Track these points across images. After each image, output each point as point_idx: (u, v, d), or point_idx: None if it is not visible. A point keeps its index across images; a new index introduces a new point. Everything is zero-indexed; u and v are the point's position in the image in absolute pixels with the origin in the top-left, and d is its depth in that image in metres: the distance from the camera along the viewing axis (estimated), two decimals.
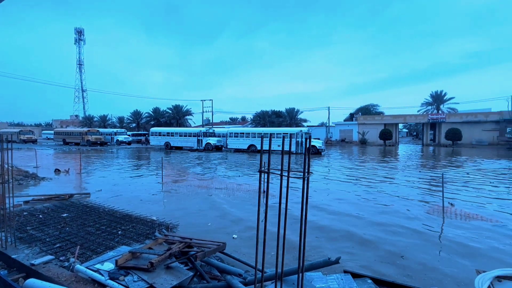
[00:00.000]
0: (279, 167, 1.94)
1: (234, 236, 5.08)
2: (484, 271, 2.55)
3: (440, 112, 46.15)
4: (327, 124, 50.33)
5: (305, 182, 1.79)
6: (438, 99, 48.41)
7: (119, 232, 4.97)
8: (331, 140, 46.63)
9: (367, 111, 53.39)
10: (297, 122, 48.50)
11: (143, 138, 41.77)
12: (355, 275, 3.63)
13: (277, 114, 50.97)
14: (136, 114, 56.82)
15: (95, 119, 60.86)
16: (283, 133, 25.72)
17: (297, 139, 25.07)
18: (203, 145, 29.52)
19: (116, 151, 27.94)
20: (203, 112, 51.90)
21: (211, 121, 52.39)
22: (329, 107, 49.81)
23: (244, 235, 5.11)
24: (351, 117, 52.72)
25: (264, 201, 2.14)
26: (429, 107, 49.24)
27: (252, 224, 5.50)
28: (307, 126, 44.95)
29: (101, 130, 42.27)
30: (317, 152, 24.39)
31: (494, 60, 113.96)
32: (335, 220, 6.11)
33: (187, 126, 50.99)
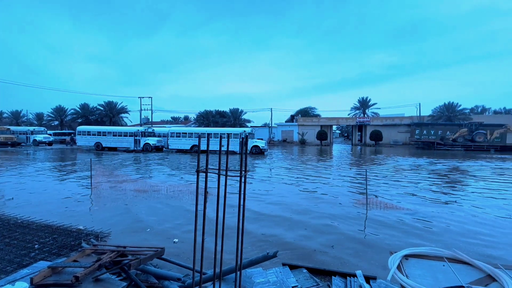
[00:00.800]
0: (223, 167, 1.95)
1: (175, 240, 4.89)
2: (395, 252, 2.99)
3: (366, 116, 52.25)
4: (270, 125, 52.21)
5: (242, 180, 1.83)
6: (364, 104, 54.67)
7: (36, 246, 4.31)
8: (274, 141, 48.53)
9: (306, 113, 57.11)
10: (241, 123, 49.07)
11: (68, 138, 36.81)
12: (293, 267, 3.87)
13: (221, 114, 50.76)
14: (59, 111, 49.72)
15: (5, 115, 51.31)
16: (227, 133, 25.79)
17: (241, 139, 25.37)
18: (141, 145, 27.55)
19: (33, 153, 24.01)
20: (141, 110, 48.43)
21: (150, 120, 49.20)
22: (271, 108, 51.76)
23: (187, 238, 4.96)
24: (292, 118, 55.70)
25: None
26: (357, 111, 55.24)
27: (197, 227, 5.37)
28: (251, 126, 45.88)
29: (13, 128, 35.78)
30: (260, 152, 25.07)
31: (409, 72, 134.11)
32: (277, 217, 6.38)
33: (122, 125, 46.83)
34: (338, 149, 37.36)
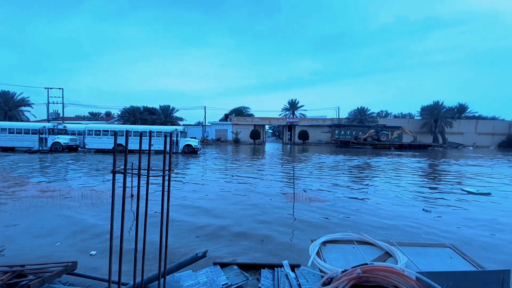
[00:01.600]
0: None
1: (92, 253, 4.32)
2: (315, 240, 3.30)
3: (294, 116, 56.18)
4: (204, 124, 51.20)
5: (165, 180, 1.74)
6: (293, 106, 58.69)
7: None
8: (207, 139, 47.78)
9: (240, 112, 58.02)
10: (172, 121, 46.72)
11: None
12: (224, 265, 3.87)
13: (151, 111, 47.34)
14: None
15: None
16: (157, 132, 24.18)
17: (172, 138, 24.17)
18: (49, 145, 23.55)
19: None
20: (49, 103, 41.33)
21: (61, 115, 42.44)
22: (205, 107, 50.81)
23: (107, 248, 4.44)
24: (226, 117, 55.84)
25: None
26: (287, 112, 58.95)
27: (116, 234, 4.86)
28: (184, 124, 44.12)
29: None
30: (193, 151, 24.35)
31: (331, 78, 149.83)
32: (211, 217, 6.29)
33: (22, 120, 39.06)
34: (270, 147, 39.18)
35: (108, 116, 62.36)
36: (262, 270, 3.79)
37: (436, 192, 9.67)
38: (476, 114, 53.93)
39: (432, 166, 18.30)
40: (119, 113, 47.39)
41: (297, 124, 50.15)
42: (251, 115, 57.44)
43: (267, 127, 62.52)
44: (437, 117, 45.47)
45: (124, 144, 1.75)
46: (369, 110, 49.11)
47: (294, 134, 50.14)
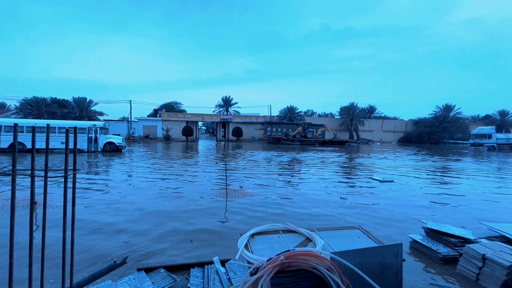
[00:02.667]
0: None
1: None
2: (244, 233, 3.37)
3: (228, 113, 56.39)
4: (130, 119, 46.86)
5: (67, 181, 1.50)
6: (227, 102, 58.83)
7: None
8: (134, 136, 43.96)
9: (171, 108, 55.10)
10: (90, 115, 41.32)
11: None
12: (149, 270, 3.62)
13: (61, 103, 40.84)
14: None
15: None
16: (69, 127, 20.96)
17: (90, 135, 21.40)
18: None
19: None
20: None
21: None
22: (130, 101, 46.58)
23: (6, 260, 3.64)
24: (156, 113, 52.33)
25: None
26: (221, 109, 58.80)
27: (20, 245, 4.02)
28: (105, 120, 39.44)
29: None
30: (116, 150, 22.06)
31: (264, 77, 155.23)
32: (138, 219, 5.79)
33: None
34: (204, 144, 38.46)
35: (2, 108, 51.31)
36: (191, 269, 3.69)
37: (351, 182, 11.06)
38: (382, 115, 63.82)
39: (349, 159, 20.87)
40: (18, 104, 39.43)
41: (231, 121, 50.54)
42: (183, 111, 55.25)
43: (200, 123, 61.15)
44: (352, 116, 52.04)
45: (27, 143, 1.45)
46: (298, 109, 52.94)
47: (228, 131, 50.39)
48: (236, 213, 6.37)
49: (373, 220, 5.99)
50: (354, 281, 2.63)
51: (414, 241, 4.34)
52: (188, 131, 44.73)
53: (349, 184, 10.59)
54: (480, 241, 3.79)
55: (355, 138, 51.59)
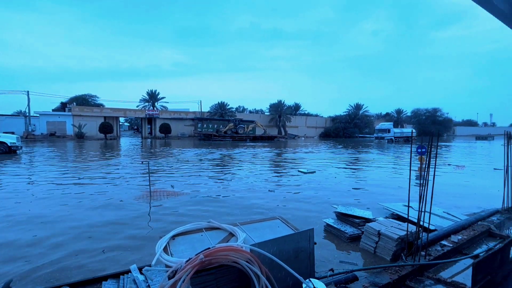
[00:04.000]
0: None
1: None
2: (164, 236, 3.17)
3: (155, 109, 52.71)
4: (28, 114, 39.13)
5: None
6: (153, 97, 54.86)
7: None
8: (34, 135, 37.02)
9: (84, 101, 48.33)
10: None
11: None
12: None
13: None
14: None
15: None
16: None
17: None
18: None
19: None
20: None
21: None
22: (28, 91, 38.85)
23: None
24: (64, 107, 45.05)
25: None
26: (147, 104, 54.50)
27: None
28: None
29: None
30: (9, 151, 18.15)
31: (194, 71, 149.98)
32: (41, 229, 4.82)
33: None
34: (127, 143, 35.06)
35: None
36: (103, 283, 3.28)
37: (280, 175, 11.69)
38: (306, 112, 69.48)
39: (278, 154, 22.05)
40: None
41: (158, 116, 47.42)
42: (100, 105, 49.15)
43: (122, 119, 55.60)
44: (280, 113, 55.13)
45: None
46: (229, 105, 53.15)
47: (155, 127, 47.19)
48: (162, 215, 5.98)
49: (296, 208, 6.45)
50: (272, 268, 2.75)
51: (328, 224, 4.84)
52: (106, 128, 39.97)
53: (277, 177, 11.18)
54: (377, 220, 4.47)
55: (283, 133, 54.89)
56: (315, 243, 3.08)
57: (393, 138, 43.88)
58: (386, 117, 70.99)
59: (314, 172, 12.11)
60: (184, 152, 21.80)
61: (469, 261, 3.67)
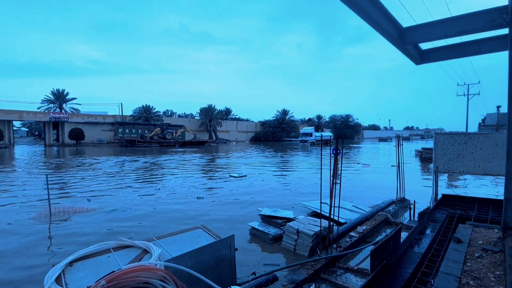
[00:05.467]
0: None
1: None
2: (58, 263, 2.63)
3: (63, 111, 45.40)
4: None
5: None
6: (60, 97, 47.19)
7: None
8: None
9: None
10: None
11: None
12: None
13: None
14: None
15: None
16: None
17: None
18: None
19: None
20: None
21: None
22: None
23: None
24: None
25: None
26: (52, 105, 46.51)
27: None
28: None
29: None
30: None
31: (114, 71, 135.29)
32: None
33: None
34: (24, 152, 29.15)
35: None
36: None
37: (211, 181, 11.41)
38: (237, 116, 70.63)
39: (209, 159, 21.61)
40: None
41: (67, 120, 40.92)
42: None
43: (18, 123, 46.16)
44: (211, 117, 54.57)
45: None
46: (155, 108, 49.81)
47: (63, 133, 40.66)
48: (67, 237, 5.08)
49: (224, 214, 6.36)
50: (191, 283, 2.58)
51: (253, 228, 4.90)
52: None
53: (208, 183, 10.89)
54: (297, 218, 4.74)
55: (214, 138, 54.42)
56: (236, 249, 3.04)
57: (314, 141, 48.35)
58: (309, 122, 77.85)
59: (246, 176, 12.28)
60: (101, 161, 19.33)
61: (372, 248, 4.21)
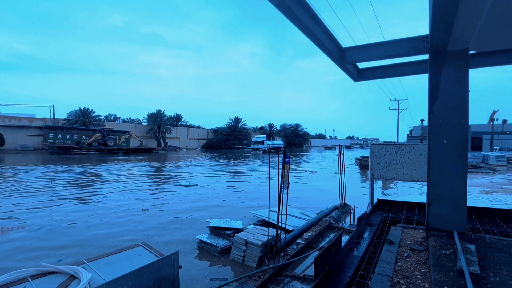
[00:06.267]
0: None
1: None
2: None
3: None
4: None
5: None
6: None
7: None
8: None
9: None
10: None
11: None
12: None
13: None
14: None
15: None
16: None
17: None
18: None
19: None
20: None
21: None
22: None
23: None
24: None
25: None
26: None
27: None
28: None
29: None
30: None
31: (44, 68, 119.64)
32: None
33: None
34: None
35: None
36: None
37: (158, 191, 10.70)
38: (188, 123, 68.53)
39: (157, 168, 20.37)
40: None
41: None
42: None
43: None
44: (160, 123, 51.98)
45: None
46: (95, 112, 45.55)
47: None
48: None
49: (172, 227, 5.99)
50: None
51: (201, 241, 4.70)
52: None
53: (155, 193, 10.20)
54: (247, 228, 4.70)
55: (163, 145, 51.84)
56: (181, 267, 2.86)
57: (266, 149, 49.50)
58: (261, 130, 79.63)
59: (197, 185, 11.88)
60: (23, 172, 16.74)
61: (317, 254, 4.39)
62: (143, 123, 57.47)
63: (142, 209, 7.72)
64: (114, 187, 11.62)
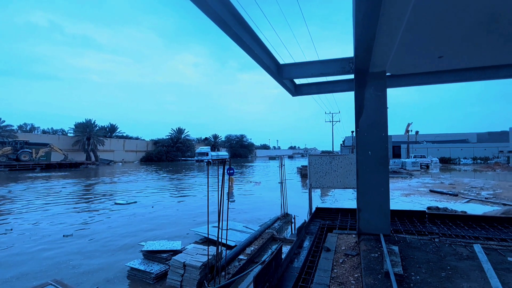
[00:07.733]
0: None
1: None
2: None
3: None
4: None
5: None
6: None
7: None
8: None
9: None
10: None
11: None
12: None
13: None
14: None
15: None
16: None
17: None
18: None
19: None
20: None
21: None
22: None
23: None
24: None
25: None
26: None
27: None
28: None
29: None
30: None
31: None
32: None
33: None
34: None
35: None
36: None
37: (87, 212, 9.35)
38: (125, 134, 63.13)
39: (86, 185, 17.99)
40: None
41: None
42: None
43: None
44: (90, 135, 46.60)
45: None
46: (4, 121, 38.55)
47: None
48: None
49: (97, 254, 5.24)
50: None
51: (132, 268, 4.19)
52: None
53: (82, 215, 8.88)
54: (186, 249, 4.38)
55: (93, 159, 46.48)
56: None
57: (210, 160, 48.65)
58: (205, 141, 78.14)
59: (135, 202, 10.86)
60: None
61: (257, 271, 4.32)
62: (68, 134, 50.78)
63: (63, 235, 6.65)
64: (29, 211, 9.80)
